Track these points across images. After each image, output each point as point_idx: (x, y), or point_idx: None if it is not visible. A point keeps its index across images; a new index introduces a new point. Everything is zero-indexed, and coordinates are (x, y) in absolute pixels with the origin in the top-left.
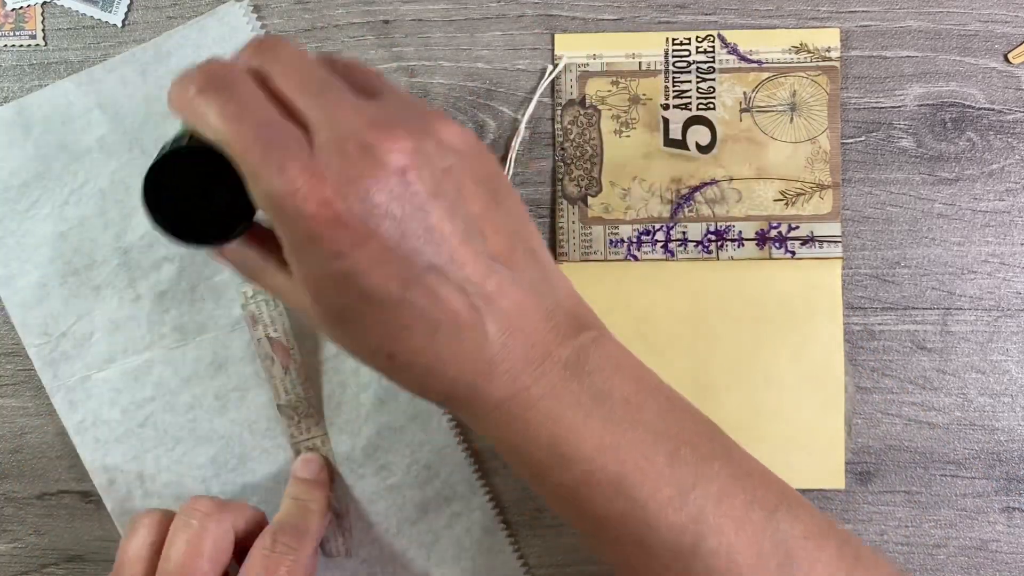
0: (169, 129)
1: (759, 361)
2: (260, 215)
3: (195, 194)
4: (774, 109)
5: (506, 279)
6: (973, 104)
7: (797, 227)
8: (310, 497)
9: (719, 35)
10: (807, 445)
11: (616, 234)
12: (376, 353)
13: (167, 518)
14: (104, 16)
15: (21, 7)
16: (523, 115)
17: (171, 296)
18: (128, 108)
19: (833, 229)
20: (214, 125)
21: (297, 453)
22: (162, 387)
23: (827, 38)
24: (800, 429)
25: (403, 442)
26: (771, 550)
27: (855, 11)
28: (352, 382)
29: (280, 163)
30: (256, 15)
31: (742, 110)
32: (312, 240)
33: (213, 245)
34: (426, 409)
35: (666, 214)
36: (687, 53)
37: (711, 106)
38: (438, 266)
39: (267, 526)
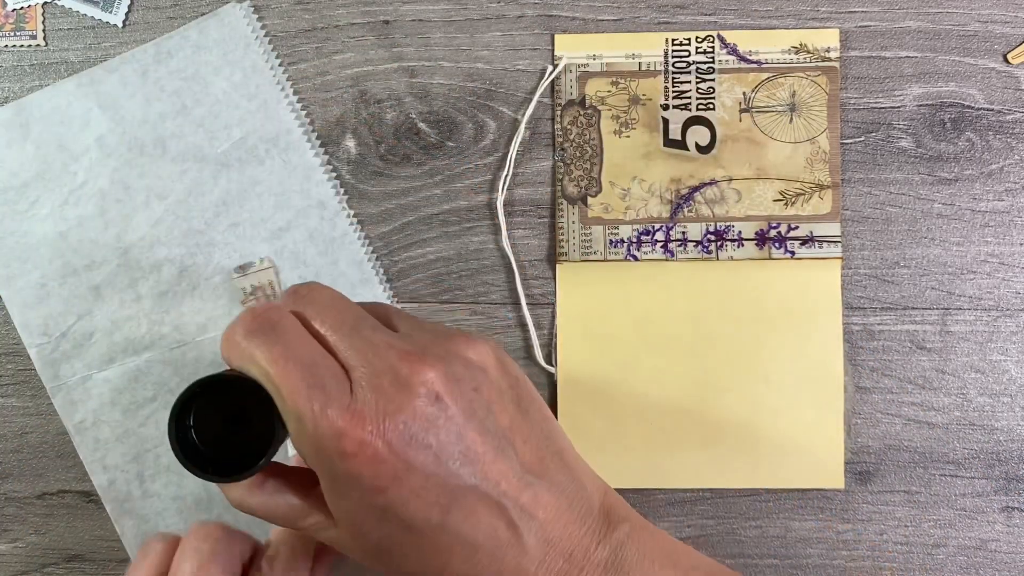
0: (169, 128)
1: (759, 361)
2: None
3: (218, 430)
4: (774, 109)
5: (540, 489)
6: (972, 104)
7: (797, 227)
8: None
9: (718, 35)
10: (807, 445)
11: (616, 234)
12: None
13: (177, 543)
14: (105, 16)
15: (22, 7)
16: (523, 115)
17: (172, 296)
18: (128, 108)
19: (832, 229)
20: (262, 366)
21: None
22: (162, 387)
23: (826, 38)
24: (800, 429)
25: None
26: None
27: (854, 11)
28: None
29: (323, 405)
30: (257, 16)
31: (742, 110)
32: (353, 478)
33: (235, 479)
34: None
35: (666, 214)
36: (687, 53)
37: (711, 106)
38: (475, 486)
39: (262, 551)
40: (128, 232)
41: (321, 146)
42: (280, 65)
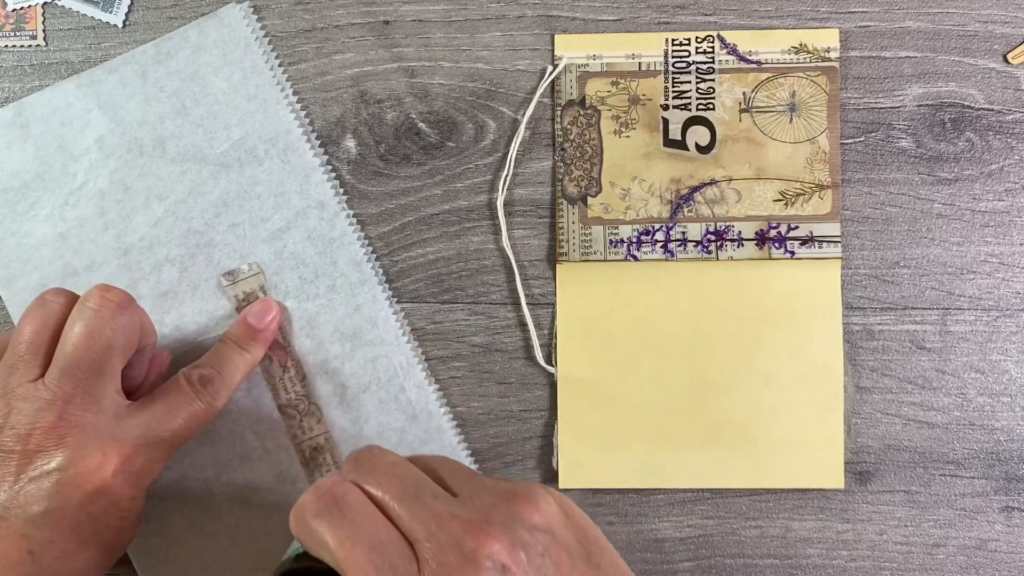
0: (168, 129)
1: (758, 361)
2: None
3: None
4: (773, 109)
5: None
6: (972, 104)
7: (796, 227)
8: (243, 346)
9: (718, 35)
10: (806, 445)
11: (616, 234)
12: None
13: (74, 300)
14: (105, 17)
15: (22, 7)
16: (523, 115)
17: (172, 297)
18: (127, 109)
19: (832, 229)
20: (331, 549)
21: (302, 454)
22: None
23: (826, 38)
24: (799, 429)
25: (404, 442)
26: None
27: (854, 11)
28: (352, 383)
29: None
30: (256, 16)
31: (741, 110)
32: None
33: None
34: (426, 409)
35: (666, 214)
36: (687, 53)
37: (711, 106)
38: None
39: (187, 367)
40: (128, 233)
41: (321, 146)
42: (280, 65)
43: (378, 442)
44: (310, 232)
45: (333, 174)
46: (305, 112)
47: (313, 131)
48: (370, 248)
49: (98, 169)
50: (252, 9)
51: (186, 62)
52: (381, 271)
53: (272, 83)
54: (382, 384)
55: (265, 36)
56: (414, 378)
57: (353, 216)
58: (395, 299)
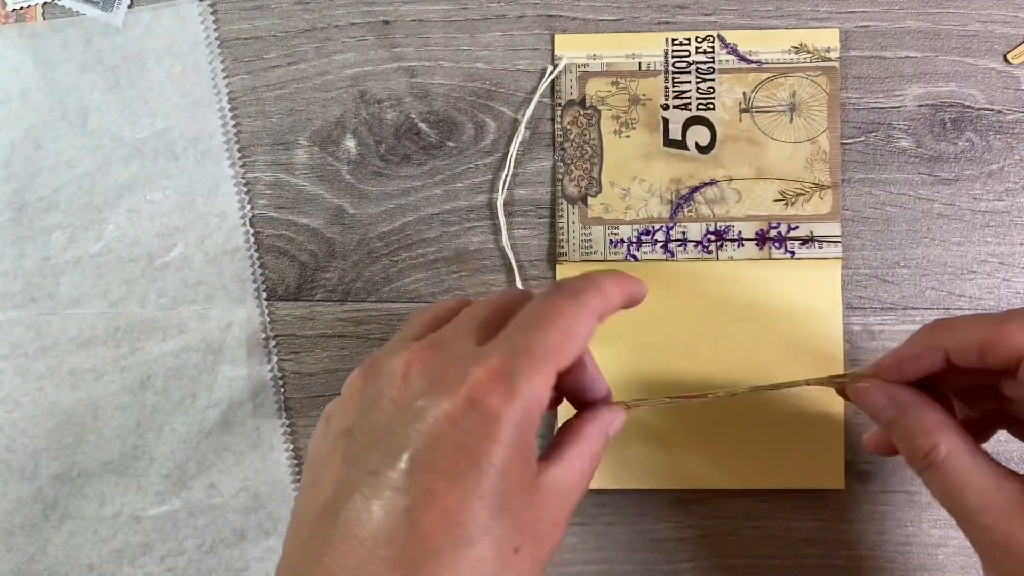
0: (95, 101)
1: (759, 361)
2: None
3: None
4: (774, 109)
5: None
6: (972, 104)
7: (797, 227)
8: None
9: (719, 35)
10: (807, 445)
11: (616, 234)
12: None
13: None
14: (105, 17)
15: (21, 7)
16: (523, 115)
17: (54, 264)
18: (61, 70)
19: (833, 229)
20: None
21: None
22: (17, 349)
23: (826, 38)
24: (800, 429)
25: (239, 466)
26: None
27: (854, 11)
28: (204, 396)
29: None
30: (213, 18)
31: (742, 110)
32: None
33: None
34: (269, 442)
35: (666, 214)
36: (687, 53)
37: (711, 106)
38: None
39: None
40: (28, 190)
41: (240, 159)
42: (224, 72)
43: (212, 459)
44: (204, 237)
45: (245, 189)
46: (235, 124)
47: (237, 143)
48: (260, 267)
49: (14, 120)
50: (210, 10)
51: (132, 42)
52: (264, 293)
53: (209, 86)
54: (232, 405)
55: (217, 40)
56: (266, 409)
57: (252, 234)
58: (272, 324)
